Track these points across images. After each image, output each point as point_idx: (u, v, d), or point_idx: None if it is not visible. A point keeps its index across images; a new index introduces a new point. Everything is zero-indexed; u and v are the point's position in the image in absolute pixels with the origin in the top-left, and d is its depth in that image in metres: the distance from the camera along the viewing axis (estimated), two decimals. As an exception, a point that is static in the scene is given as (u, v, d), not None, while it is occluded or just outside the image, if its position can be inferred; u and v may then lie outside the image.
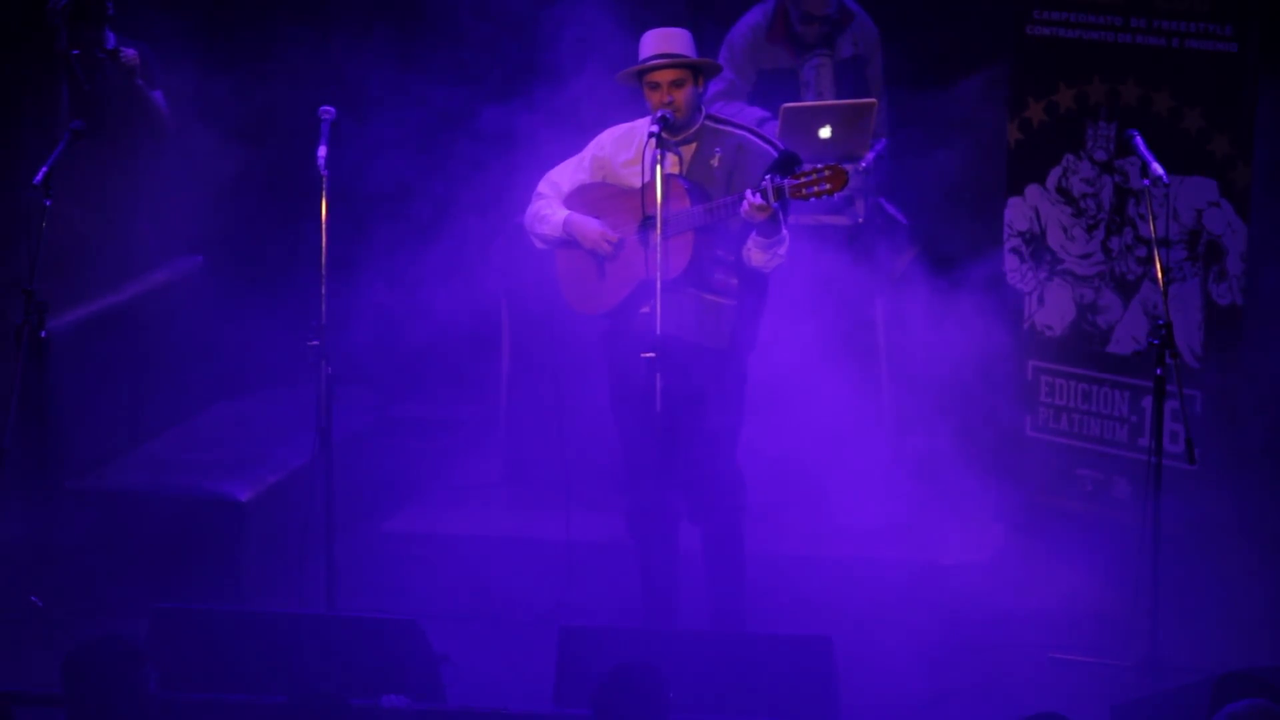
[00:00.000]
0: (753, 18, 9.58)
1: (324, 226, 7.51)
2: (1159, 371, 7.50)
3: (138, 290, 9.02)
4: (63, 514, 8.18)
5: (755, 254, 7.42)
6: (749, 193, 7.23)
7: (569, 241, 7.62)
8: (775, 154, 7.46)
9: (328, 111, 7.70)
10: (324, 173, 7.51)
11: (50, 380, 8.01)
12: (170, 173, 9.34)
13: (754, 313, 7.61)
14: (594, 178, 7.68)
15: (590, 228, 7.56)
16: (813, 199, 7.30)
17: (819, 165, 7.31)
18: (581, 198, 7.66)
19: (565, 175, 7.72)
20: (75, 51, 8.99)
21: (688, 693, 6.27)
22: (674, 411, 7.34)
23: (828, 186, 7.27)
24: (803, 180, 7.28)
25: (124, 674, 5.60)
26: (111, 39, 9.05)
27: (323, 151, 7.54)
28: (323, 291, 7.56)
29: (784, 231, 7.41)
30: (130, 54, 9.01)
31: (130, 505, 8.24)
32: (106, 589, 8.09)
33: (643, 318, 7.39)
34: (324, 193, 7.51)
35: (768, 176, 7.29)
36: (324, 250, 7.54)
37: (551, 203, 7.67)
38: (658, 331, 7.21)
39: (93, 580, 8.14)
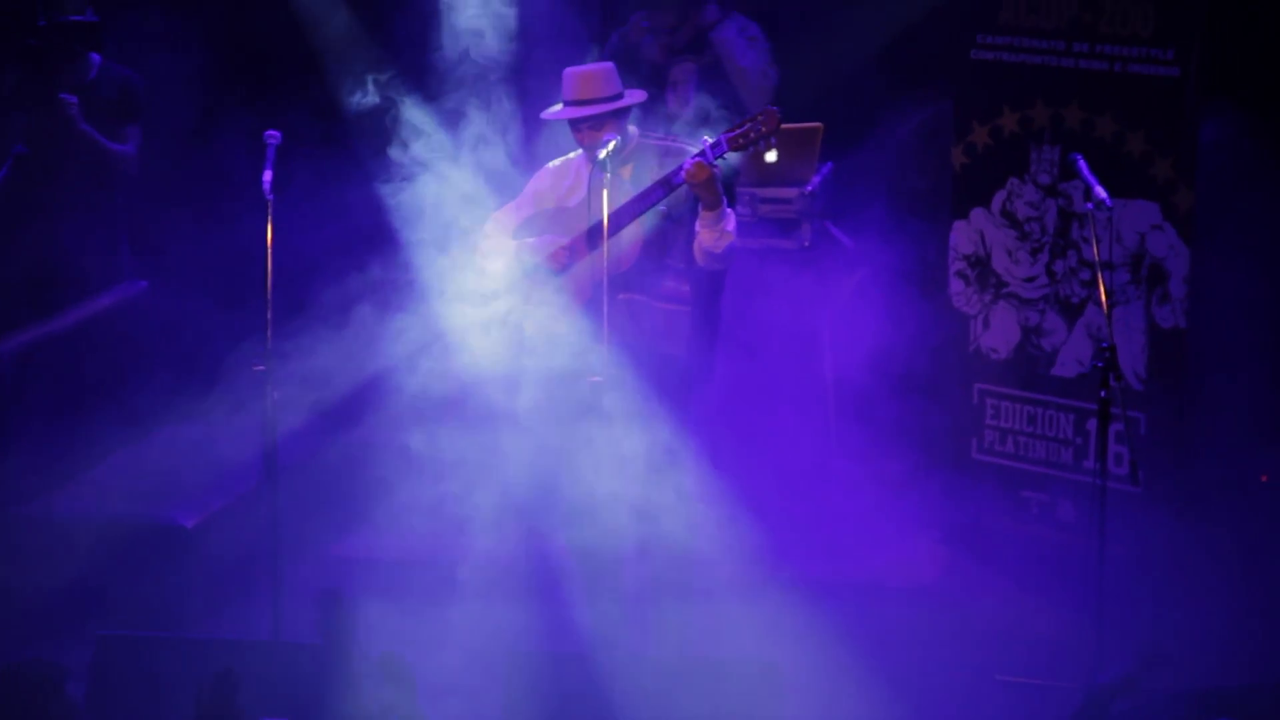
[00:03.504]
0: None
1: (269, 250, 7.47)
2: (1103, 394, 7.51)
3: (82, 316, 8.98)
4: (7, 540, 8.13)
5: (704, 234, 7.45)
6: (688, 159, 7.29)
7: (523, 271, 7.67)
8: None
9: (273, 136, 7.67)
10: (269, 197, 7.47)
11: (-6, 406, 7.99)
12: (117, 199, 9.32)
13: (708, 319, 7.65)
14: (537, 209, 7.73)
15: (540, 246, 7.62)
16: (750, 147, 7.36)
17: (751, 114, 7.38)
18: (529, 228, 7.72)
19: (510, 214, 7.79)
20: (27, 87, 9.01)
21: (638, 716, 6.27)
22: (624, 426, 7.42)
23: (764, 129, 7.34)
24: (738, 131, 7.33)
25: (46, 696, 5.56)
26: (95, 65, 9.08)
27: (268, 176, 7.50)
28: (269, 317, 7.52)
29: (726, 208, 7.43)
30: (70, 100, 9.05)
31: (75, 532, 8.19)
32: (51, 615, 8.04)
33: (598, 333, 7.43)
34: (269, 217, 7.47)
35: (704, 137, 7.34)
36: (269, 275, 7.49)
37: (499, 239, 7.73)
38: (604, 346, 7.26)
39: (37, 606, 8.09)
